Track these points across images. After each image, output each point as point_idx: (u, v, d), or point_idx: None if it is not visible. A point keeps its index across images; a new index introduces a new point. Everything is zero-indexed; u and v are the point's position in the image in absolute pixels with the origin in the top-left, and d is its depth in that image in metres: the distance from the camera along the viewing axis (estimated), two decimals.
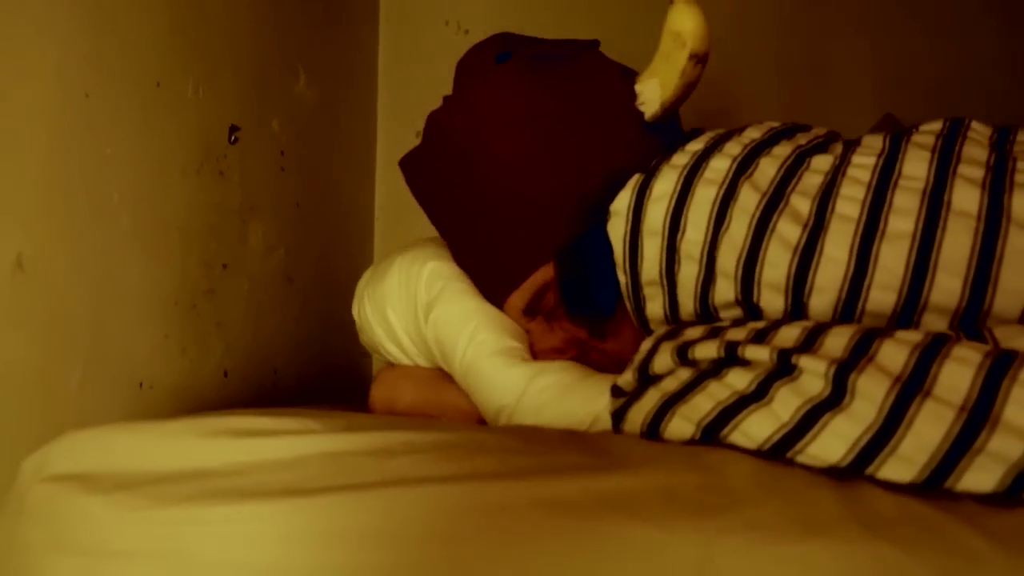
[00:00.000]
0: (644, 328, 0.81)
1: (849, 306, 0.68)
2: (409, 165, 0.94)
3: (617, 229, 0.79)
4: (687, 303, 0.76)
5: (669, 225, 0.76)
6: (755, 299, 0.72)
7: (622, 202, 0.79)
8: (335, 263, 1.39)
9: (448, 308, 0.90)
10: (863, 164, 0.73)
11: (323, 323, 1.32)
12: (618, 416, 0.71)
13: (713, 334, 0.69)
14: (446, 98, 0.91)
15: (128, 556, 0.56)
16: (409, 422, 0.71)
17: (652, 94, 0.82)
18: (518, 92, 0.85)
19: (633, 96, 0.84)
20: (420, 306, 0.93)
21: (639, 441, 0.68)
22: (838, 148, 0.78)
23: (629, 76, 0.87)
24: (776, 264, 0.71)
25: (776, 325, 0.67)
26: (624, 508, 0.55)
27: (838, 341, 0.62)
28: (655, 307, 0.79)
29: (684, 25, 0.78)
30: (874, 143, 0.75)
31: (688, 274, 0.75)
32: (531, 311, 0.86)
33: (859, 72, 1.37)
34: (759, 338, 0.66)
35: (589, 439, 0.67)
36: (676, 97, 0.81)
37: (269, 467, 0.59)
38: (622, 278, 0.80)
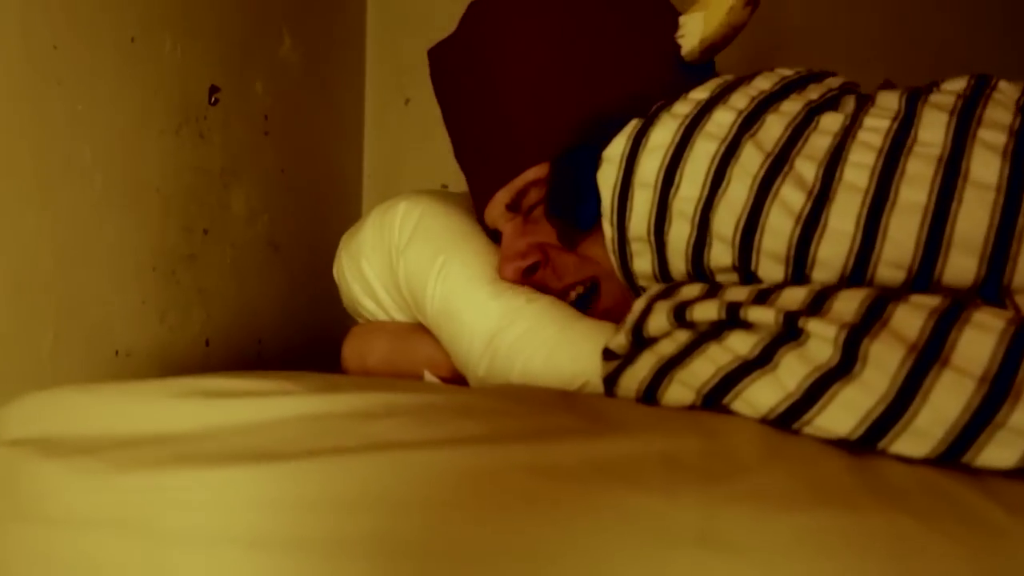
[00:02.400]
0: (629, 282, 0.77)
1: (854, 283, 0.63)
2: (436, 54, 0.92)
3: (608, 178, 0.74)
4: (678, 263, 0.71)
5: (663, 179, 0.70)
6: (753, 267, 0.67)
7: (616, 149, 0.74)
8: (322, 231, 1.35)
9: (418, 246, 0.86)
10: (875, 127, 0.66)
11: (310, 292, 1.28)
12: (610, 381, 0.66)
13: (712, 293, 0.64)
14: None
15: (91, 524, 0.52)
16: (390, 383, 0.67)
17: (694, 27, 0.80)
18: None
19: (674, 28, 0.82)
20: (394, 251, 0.88)
21: (636, 405, 0.63)
22: (850, 105, 0.72)
23: (676, 13, 0.84)
24: (777, 232, 0.65)
25: (780, 286, 0.63)
26: (624, 475, 0.51)
27: (848, 305, 0.57)
28: (643, 263, 0.74)
29: None
30: (889, 103, 0.69)
31: (679, 234, 0.70)
32: (513, 207, 0.83)
33: (861, 34, 1.32)
34: (761, 299, 0.61)
35: (582, 401, 0.62)
36: (717, 36, 0.79)
37: (243, 430, 0.55)
38: (608, 230, 0.75)
